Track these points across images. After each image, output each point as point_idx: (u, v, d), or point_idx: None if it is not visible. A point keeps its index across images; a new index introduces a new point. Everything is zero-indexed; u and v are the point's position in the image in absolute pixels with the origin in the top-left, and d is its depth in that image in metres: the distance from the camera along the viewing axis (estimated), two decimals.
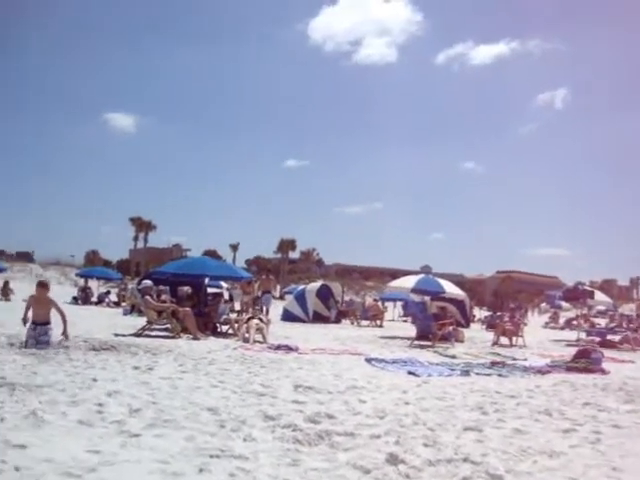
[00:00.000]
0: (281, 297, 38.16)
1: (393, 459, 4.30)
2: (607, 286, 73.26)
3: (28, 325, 9.83)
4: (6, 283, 27.02)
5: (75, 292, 30.77)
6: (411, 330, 17.94)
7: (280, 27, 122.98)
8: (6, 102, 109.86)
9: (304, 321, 23.61)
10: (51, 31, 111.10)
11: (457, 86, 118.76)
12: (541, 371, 10.48)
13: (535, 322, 37.28)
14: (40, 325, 9.78)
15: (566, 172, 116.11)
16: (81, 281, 34.62)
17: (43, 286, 10.41)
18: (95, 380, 6.88)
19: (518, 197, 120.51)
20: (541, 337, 22.09)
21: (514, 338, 17.28)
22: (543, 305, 41.67)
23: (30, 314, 9.93)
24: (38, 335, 9.62)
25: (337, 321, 25.47)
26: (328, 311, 25.68)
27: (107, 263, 75.82)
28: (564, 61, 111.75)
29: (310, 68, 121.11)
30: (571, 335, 23.55)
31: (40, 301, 10.13)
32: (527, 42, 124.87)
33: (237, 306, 22.57)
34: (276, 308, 27.25)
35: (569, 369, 10.88)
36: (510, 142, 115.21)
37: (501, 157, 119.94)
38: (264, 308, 19.72)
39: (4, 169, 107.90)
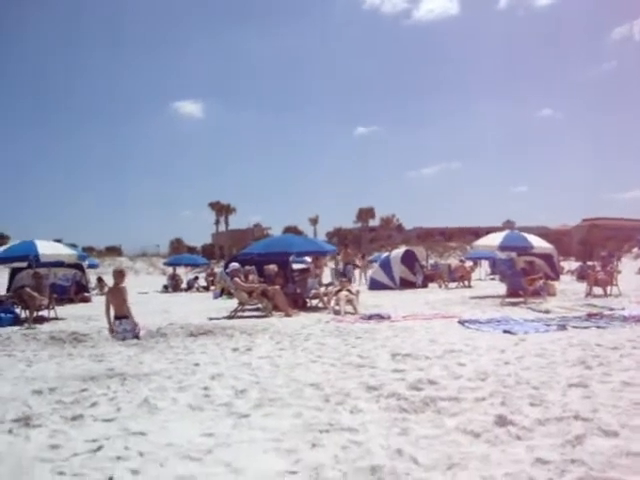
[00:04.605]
0: (365, 266, 38.11)
1: (502, 421, 4.29)
2: None
3: (113, 320, 9.96)
4: (99, 279, 28.01)
5: (165, 281, 31.63)
6: (501, 288, 17.69)
7: None
8: (79, 105, 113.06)
9: (392, 288, 23.55)
10: (113, 23, 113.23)
11: (525, 30, 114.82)
12: None
13: (628, 269, 36.10)
14: (120, 319, 9.87)
15: None
16: (169, 269, 35.47)
17: (117, 275, 10.42)
18: (197, 365, 7.10)
19: (600, 141, 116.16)
20: (636, 284, 21.39)
21: (608, 287, 16.82)
22: (635, 250, 40.32)
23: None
24: (123, 331, 9.73)
25: (424, 285, 25.30)
26: (414, 276, 25.53)
27: (191, 249, 77.70)
28: None
29: (370, 31, 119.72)
30: None
31: (115, 292, 10.19)
32: None
33: None
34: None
35: None
36: (587, 83, 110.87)
37: (579, 100, 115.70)
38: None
39: (84, 168, 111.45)
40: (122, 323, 9.82)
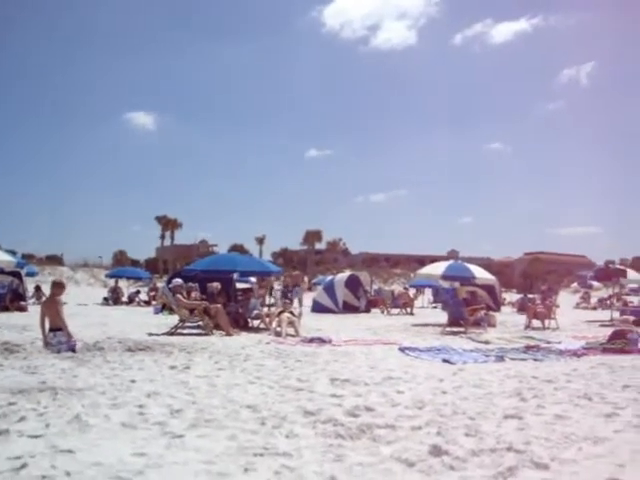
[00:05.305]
0: (309, 289, 38.20)
1: (436, 451, 4.29)
2: (638, 263, 72.49)
3: (47, 332, 9.74)
4: (37, 287, 27.38)
5: (105, 293, 31.11)
6: (442, 317, 17.89)
7: (294, 16, 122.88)
8: (28, 107, 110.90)
9: (334, 312, 23.63)
10: (68, 31, 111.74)
11: (478, 65, 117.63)
12: (577, 354, 10.40)
13: (566, 303, 36.94)
14: (55, 331, 9.64)
15: (594, 148, 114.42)
16: (111, 282, 34.98)
17: (54, 286, 10.22)
18: (133, 381, 6.96)
19: (546, 176, 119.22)
20: (573, 318, 21.90)
21: (546, 320, 17.17)
22: (574, 285, 41.32)
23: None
24: (58, 343, 9.48)
25: (367, 310, 25.48)
26: (358, 301, 25.68)
27: (135, 262, 76.69)
28: (589, 34, 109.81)
29: (327, 56, 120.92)
30: (604, 315, 23.31)
31: (51, 304, 9.98)
32: (549, 17, 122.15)
33: None
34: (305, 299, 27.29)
35: (605, 350, 10.79)
36: (536, 120, 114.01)
37: (528, 136, 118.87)
38: (295, 301, 19.70)
39: (28, 174, 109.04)
40: (56, 335, 9.58)
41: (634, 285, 30.72)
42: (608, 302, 29.17)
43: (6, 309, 19.67)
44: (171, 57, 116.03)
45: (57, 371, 7.59)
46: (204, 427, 4.93)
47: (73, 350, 9.35)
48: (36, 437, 4.51)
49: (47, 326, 9.72)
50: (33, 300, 24.98)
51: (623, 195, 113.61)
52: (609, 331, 12.73)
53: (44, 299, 10.68)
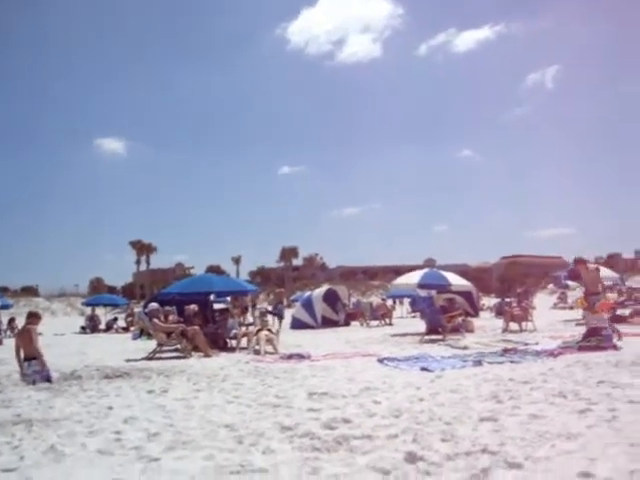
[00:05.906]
0: (288, 305, 38.14)
1: (412, 457, 4.32)
2: (612, 261, 73.50)
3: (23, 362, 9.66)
4: (12, 320, 26.99)
5: (83, 321, 30.82)
6: (421, 325, 17.96)
7: (259, 34, 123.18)
8: None
9: (313, 327, 23.61)
10: (38, 56, 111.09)
11: (444, 75, 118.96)
12: (553, 353, 10.51)
13: (543, 304, 37.22)
14: (30, 360, 9.55)
15: (564, 149, 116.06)
16: (88, 310, 34.66)
17: (28, 316, 10.20)
18: (110, 408, 6.90)
19: (518, 180, 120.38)
20: (550, 319, 22.12)
21: (523, 323, 17.33)
22: (550, 286, 41.70)
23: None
24: (33, 373, 9.39)
25: (346, 324, 25.50)
26: (336, 315, 25.70)
27: (112, 289, 76.19)
28: (552, 39, 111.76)
29: (294, 72, 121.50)
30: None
31: (24, 333, 9.94)
32: (511, 24, 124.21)
33: None
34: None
35: (581, 349, 10.91)
36: (505, 125, 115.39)
37: (497, 142, 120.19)
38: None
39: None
40: (31, 365, 9.48)
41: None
42: None
43: None
44: (137, 83, 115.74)
45: (33, 403, 7.50)
46: (181, 449, 4.91)
47: (49, 380, 9.26)
48: (10, 471, 4.46)
49: (22, 356, 9.63)
50: (8, 333, 24.64)
51: (593, 195, 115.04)
52: (585, 329, 12.84)
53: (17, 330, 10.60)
